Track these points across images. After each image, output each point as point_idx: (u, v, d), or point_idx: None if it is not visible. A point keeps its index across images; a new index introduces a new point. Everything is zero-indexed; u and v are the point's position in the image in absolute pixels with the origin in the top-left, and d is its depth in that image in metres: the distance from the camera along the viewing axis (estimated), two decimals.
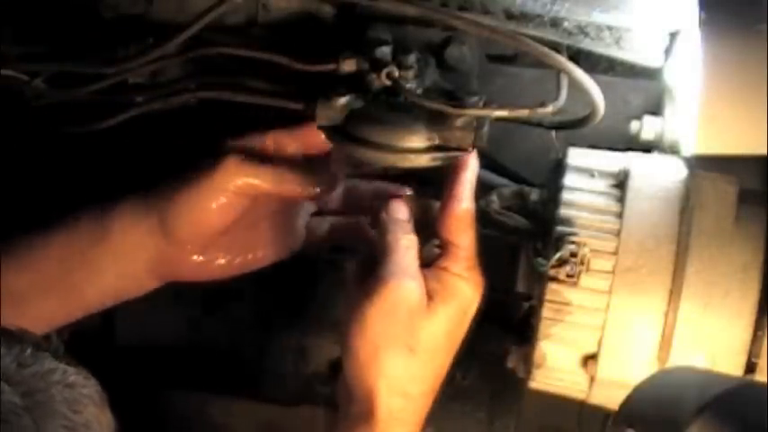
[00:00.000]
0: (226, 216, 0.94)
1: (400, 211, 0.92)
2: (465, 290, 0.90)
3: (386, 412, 0.86)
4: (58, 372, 0.78)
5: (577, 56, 0.96)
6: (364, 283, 0.89)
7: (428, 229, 0.93)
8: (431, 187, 0.96)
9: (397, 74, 0.90)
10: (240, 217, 0.95)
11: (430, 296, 0.88)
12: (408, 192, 0.97)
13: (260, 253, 0.99)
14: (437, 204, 0.93)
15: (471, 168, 0.91)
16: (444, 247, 0.91)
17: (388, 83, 0.90)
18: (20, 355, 0.77)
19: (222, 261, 0.97)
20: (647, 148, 0.98)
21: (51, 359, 0.78)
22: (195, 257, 0.96)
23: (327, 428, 0.88)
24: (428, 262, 0.91)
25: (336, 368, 0.97)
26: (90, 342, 1.15)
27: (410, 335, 0.87)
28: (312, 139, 0.96)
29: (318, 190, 0.95)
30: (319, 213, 1.01)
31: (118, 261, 0.95)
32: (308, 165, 0.97)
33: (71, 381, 0.77)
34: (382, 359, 0.86)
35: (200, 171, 0.93)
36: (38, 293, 0.94)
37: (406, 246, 0.89)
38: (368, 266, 0.92)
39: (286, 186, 0.94)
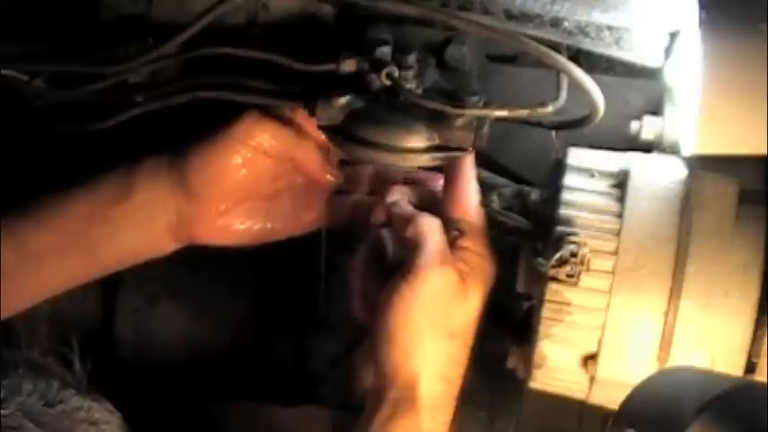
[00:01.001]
0: (244, 173, 0.95)
1: (402, 197, 0.94)
2: (488, 267, 0.91)
3: (429, 398, 0.87)
4: (83, 409, 0.77)
5: (577, 56, 0.96)
6: (395, 271, 0.89)
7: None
8: None
9: (397, 74, 0.90)
10: (261, 182, 0.96)
11: (462, 278, 0.89)
12: (441, 181, 0.97)
13: (278, 224, 0.99)
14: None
15: (471, 160, 0.92)
16: (461, 228, 0.91)
17: (388, 83, 0.90)
18: (46, 392, 0.76)
19: (241, 227, 0.98)
20: (647, 148, 0.98)
21: (77, 396, 0.78)
22: (215, 220, 0.96)
23: (361, 410, 0.89)
24: (450, 243, 0.91)
25: (336, 365, 0.97)
26: (90, 342, 1.16)
27: (450, 320, 0.88)
28: None
29: (330, 170, 0.97)
30: (345, 193, 1.01)
31: (139, 220, 0.95)
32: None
33: (95, 418, 0.76)
34: (425, 347, 0.87)
35: (221, 127, 0.94)
36: (57, 253, 0.95)
37: (437, 230, 0.89)
38: (376, 253, 0.93)
39: (301, 153, 0.96)
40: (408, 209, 0.92)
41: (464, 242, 0.91)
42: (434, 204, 0.94)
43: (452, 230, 0.91)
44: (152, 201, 0.95)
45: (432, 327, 0.87)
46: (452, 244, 0.90)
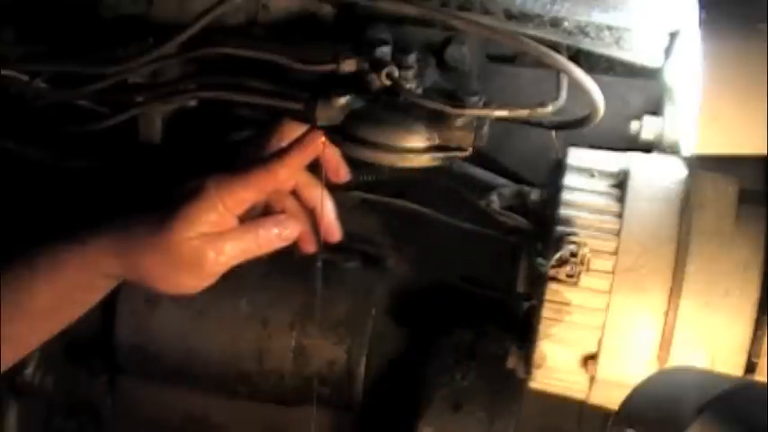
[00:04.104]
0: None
1: None
2: None
3: None
4: None
5: (577, 56, 0.96)
6: None
7: None
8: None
9: (397, 74, 0.90)
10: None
11: None
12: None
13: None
14: None
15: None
16: None
17: (388, 83, 0.90)
18: None
19: None
20: (647, 148, 0.98)
21: None
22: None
23: None
24: None
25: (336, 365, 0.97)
26: (89, 342, 1.16)
27: None
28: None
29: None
30: None
31: (98, 296, 1.00)
32: None
33: None
34: None
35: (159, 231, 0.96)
36: (29, 334, 0.99)
37: None
38: None
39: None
40: None
41: None
42: None
43: None
44: (113, 281, 0.99)
45: None
46: None
